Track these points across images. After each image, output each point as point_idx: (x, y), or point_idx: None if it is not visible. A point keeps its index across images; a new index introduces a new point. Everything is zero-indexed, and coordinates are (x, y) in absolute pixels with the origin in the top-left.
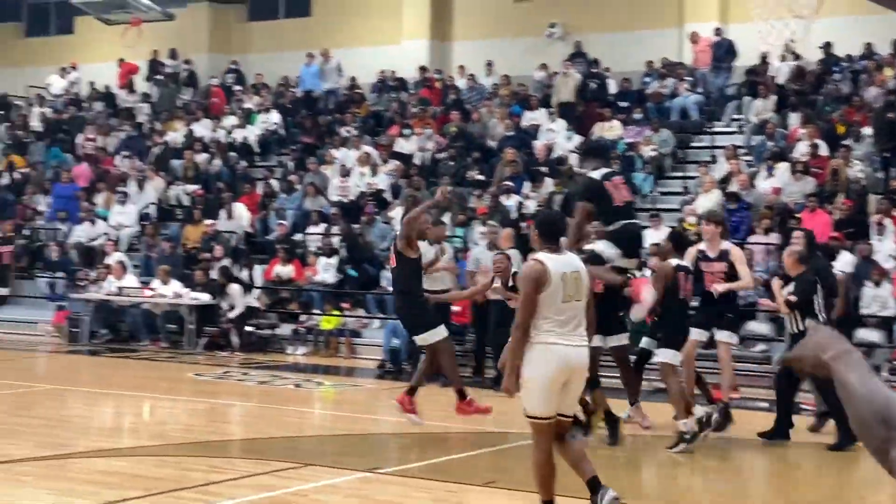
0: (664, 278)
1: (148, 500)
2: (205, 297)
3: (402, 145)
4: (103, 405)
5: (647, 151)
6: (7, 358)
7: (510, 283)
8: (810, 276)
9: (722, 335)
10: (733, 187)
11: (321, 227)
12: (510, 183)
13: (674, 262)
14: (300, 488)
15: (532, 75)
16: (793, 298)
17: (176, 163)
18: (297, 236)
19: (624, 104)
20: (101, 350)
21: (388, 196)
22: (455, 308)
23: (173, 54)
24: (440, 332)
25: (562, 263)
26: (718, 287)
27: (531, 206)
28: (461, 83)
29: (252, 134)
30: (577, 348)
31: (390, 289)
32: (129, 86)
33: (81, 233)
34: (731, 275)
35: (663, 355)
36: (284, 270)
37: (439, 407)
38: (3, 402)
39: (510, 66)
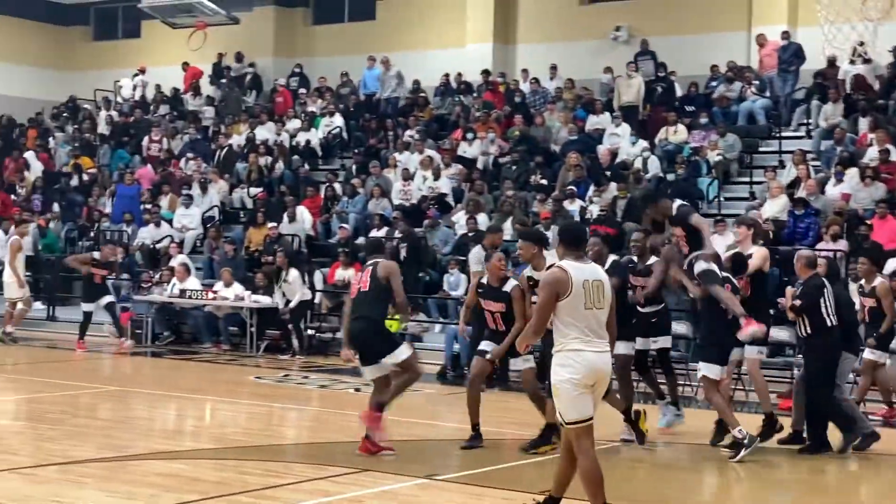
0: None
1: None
2: (266, 300)
3: (465, 149)
4: (164, 407)
5: (713, 156)
6: (72, 359)
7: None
8: (817, 281)
9: (750, 351)
10: (801, 193)
11: (383, 231)
12: (573, 188)
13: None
14: (357, 494)
15: (597, 78)
16: (797, 303)
17: (240, 166)
18: (360, 240)
19: (690, 108)
20: (164, 352)
21: (450, 200)
22: None
23: (238, 57)
24: (405, 351)
25: (584, 272)
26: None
27: (594, 210)
28: (525, 87)
29: (315, 137)
30: (601, 354)
31: (452, 293)
32: (194, 89)
33: (146, 235)
34: (758, 279)
35: (707, 370)
36: (346, 274)
37: (496, 413)
38: (68, 404)
39: (574, 69)
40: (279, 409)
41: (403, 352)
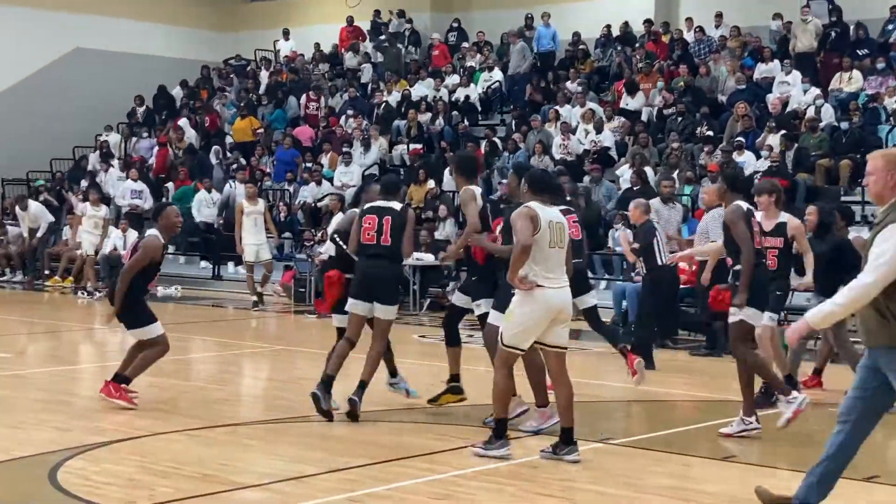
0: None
1: (374, 469)
2: (429, 258)
3: (628, 101)
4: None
5: (891, 103)
6: (237, 318)
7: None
8: (649, 225)
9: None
10: None
11: None
12: (742, 139)
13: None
14: (529, 459)
15: (765, 25)
16: (636, 245)
17: (399, 123)
18: None
19: (864, 52)
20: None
21: (613, 154)
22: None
23: (396, 13)
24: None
25: (549, 213)
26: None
27: (763, 163)
28: (689, 36)
29: (474, 92)
30: (560, 290)
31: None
32: (352, 46)
33: (307, 193)
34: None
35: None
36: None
37: (663, 374)
38: (233, 363)
39: (741, 16)
40: (445, 368)
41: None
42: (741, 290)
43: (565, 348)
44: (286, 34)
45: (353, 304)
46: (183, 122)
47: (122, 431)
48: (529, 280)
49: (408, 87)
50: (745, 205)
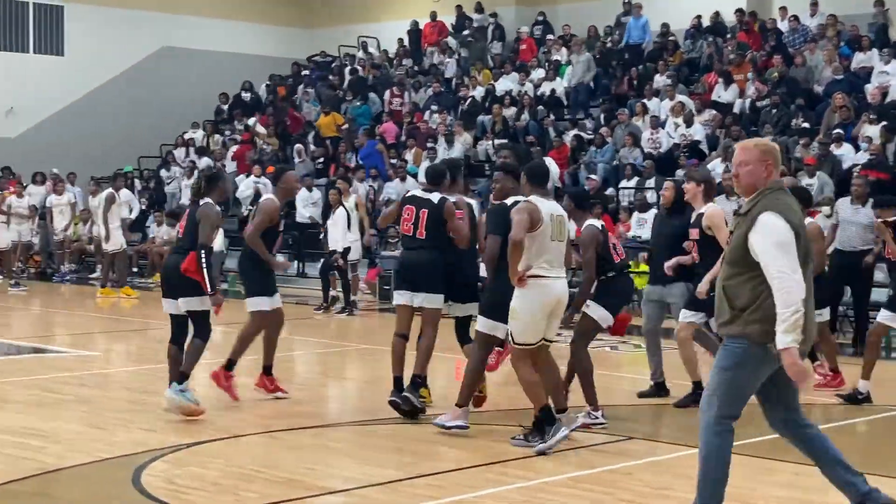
0: None
1: (463, 475)
2: None
3: (720, 93)
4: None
5: None
6: (321, 316)
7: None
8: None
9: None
10: None
11: (634, 181)
12: (840, 131)
13: None
14: (625, 465)
15: (865, 13)
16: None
17: (483, 118)
18: (609, 191)
19: None
20: None
21: (704, 147)
22: None
23: (480, 8)
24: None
25: (550, 206)
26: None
27: (862, 156)
28: (783, 25)
29: (560, 86)
30: (558, 280)
31: None
32: (437, 41)
33: (391, 189)
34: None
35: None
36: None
37: None
38: (317, 363)
39: (838, 4)
40: None
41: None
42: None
43: (552, 342)
44: (372, 30)
45: (396, 296)
46: (252, 121)
47: (206, 433)
48: (529, 274)
49: (492, 82)
50: (598, 223)
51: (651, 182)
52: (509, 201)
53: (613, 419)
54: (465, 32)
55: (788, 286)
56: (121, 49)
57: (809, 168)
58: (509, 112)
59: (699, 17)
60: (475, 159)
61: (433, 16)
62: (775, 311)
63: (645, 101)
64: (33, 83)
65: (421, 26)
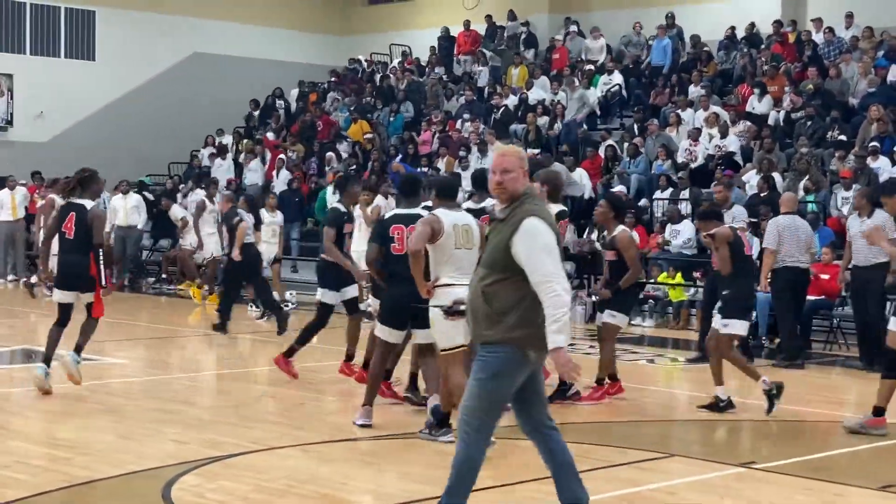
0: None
1: (502, 491)
2: None
3: (754, 105)
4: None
5: None
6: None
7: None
8: None
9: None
10: None
11: (668, 193)
12: (877, 143)
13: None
14: (667, 484)
15: None
16: None
17: (516, 126)
18: (642, 202)
19: None
20: None
21: (738, 159)
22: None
23: (512, 16)
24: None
25: (453, 217)
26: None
27: None
28: (818, 37)
29: (593, 96)
30: (465, 287)
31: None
32: (470, 50)
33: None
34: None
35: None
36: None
37: (813, 391)
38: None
39: (874, 15)
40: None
41: None
42: None
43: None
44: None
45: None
46: (270, 134)
47: (238, 445)
48: (438, 284)
49: (524, 91)
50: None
51: (685, 193)
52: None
53: (654, 435)
54: (498, 40)
55: (557, 289)
56: (151, 54)
57: (846, 181)
58: (542, 121)
59: (733, 28)
60: None
61: (466, 24)
62: (536, 315)
63: (679, 111)
64: (64, 88)
65: (453, 33)
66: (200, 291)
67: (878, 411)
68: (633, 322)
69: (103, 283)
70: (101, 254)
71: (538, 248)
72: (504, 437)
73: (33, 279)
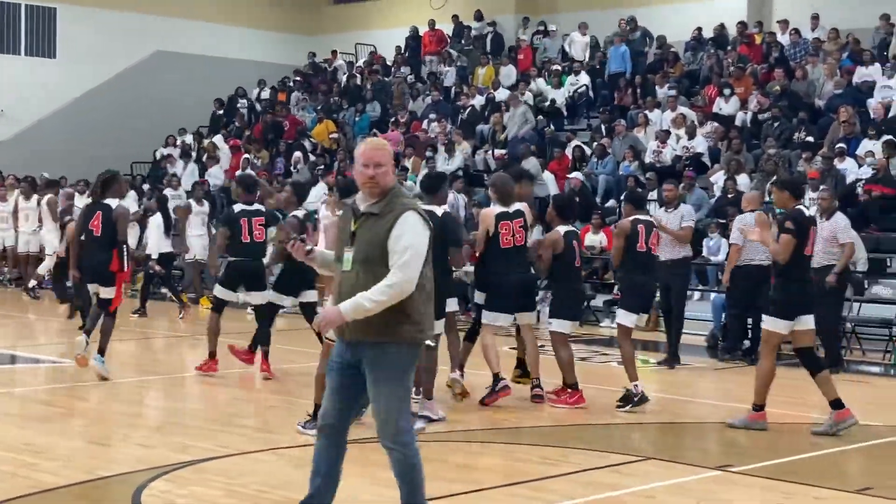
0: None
1: (480, 497)
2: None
3: (721, 106)
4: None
5: None
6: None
7: None
8: None
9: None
10: None
11: None
12: (843, 145)
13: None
14: (645, 488)
15: (868, 27)
16: None
17: (483, 127)
18: (610, 203)
19: None
20: None
21: (706, 160)
22: None
23: (479, 16)
24: None
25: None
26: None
27: (866, 170)
28: (783, 39)
29: (560, 96)
30: None
31: (711, 258)
32: (437, 50)
33: None
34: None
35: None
36: (596, 238)
37: (791, 394)
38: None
39: (840, 17)
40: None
41: None
42: None
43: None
44: (369, 37)
45: None
46: (217, 138)
47: (209, 449)
48: None
49: (491, 91)
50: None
51: (653, 195)
52: None
53: (630, 438)
54: (464, 41)
55: (395, 283)
56: (114, 52)
57: (813, 182)
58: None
59: (700, 29)
60: (474, 168)
61: (432, 24)
62: (422, 309)
63: (647, 112)
64: (24, 86)
65: (419, 33)
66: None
67: (836, 403)
68: (602, 324)
69: (125, 270)
70: (125, 250)
71: (416, 242)
72: (471, 441)
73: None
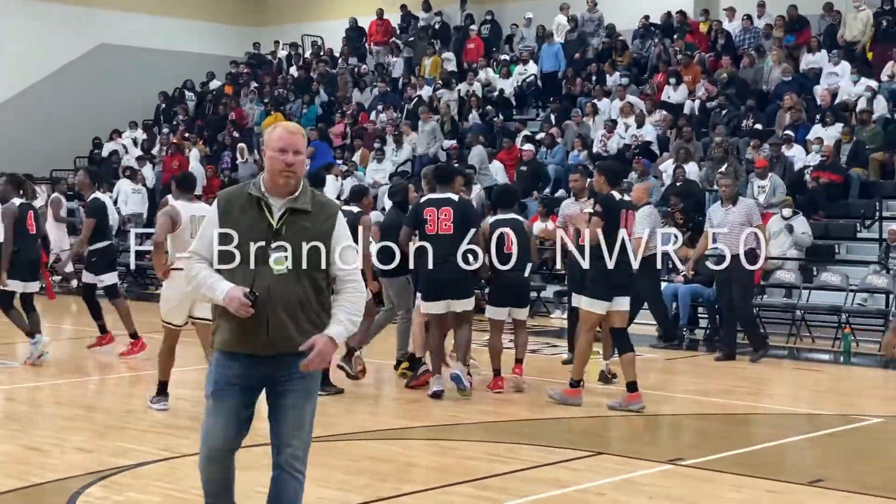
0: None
1: (426, 497)
2: None
3: (670, 94)
4: (368, 377)
5: None
6: None
7: None
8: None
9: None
10: None
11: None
12: (790, 132)
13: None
14: (595, 484)
15: (814, 14)
16: None
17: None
18: (559, 192)
19: None
20: None
21: (655, 149)
22: None
23: (427, 6)
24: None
25: (192, 209)
26: None
27: (814, 157)
28: (731, 26)
29: (509, 86)
30: None
31: (663, 248)
32: (383, 40)
33: (332, 189)
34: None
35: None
36: (543, 226)
37: (738, 381)
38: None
39: (786, 4)
40: (487, 377)
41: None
42: None
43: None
44: (314, 28)
45: None
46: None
47: (148, 453)
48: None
49: (438, 81)
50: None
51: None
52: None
53: (580, 433)
54: (411, 31)
55: (361, 287)
56: (56, 46)
57: (761, 170)
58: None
59: (647, 17)
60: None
61: (379, 13)
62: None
63: (595, 101)
64: None
65: (362, 24)
66: None
67: (632, 386)
68: (552, 315)
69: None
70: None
71: (349, 240)
72: (429, 439)
73: None
